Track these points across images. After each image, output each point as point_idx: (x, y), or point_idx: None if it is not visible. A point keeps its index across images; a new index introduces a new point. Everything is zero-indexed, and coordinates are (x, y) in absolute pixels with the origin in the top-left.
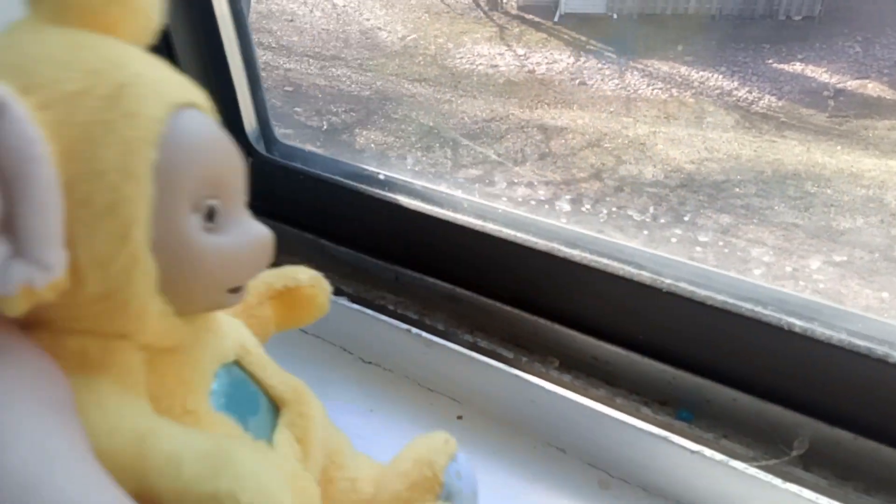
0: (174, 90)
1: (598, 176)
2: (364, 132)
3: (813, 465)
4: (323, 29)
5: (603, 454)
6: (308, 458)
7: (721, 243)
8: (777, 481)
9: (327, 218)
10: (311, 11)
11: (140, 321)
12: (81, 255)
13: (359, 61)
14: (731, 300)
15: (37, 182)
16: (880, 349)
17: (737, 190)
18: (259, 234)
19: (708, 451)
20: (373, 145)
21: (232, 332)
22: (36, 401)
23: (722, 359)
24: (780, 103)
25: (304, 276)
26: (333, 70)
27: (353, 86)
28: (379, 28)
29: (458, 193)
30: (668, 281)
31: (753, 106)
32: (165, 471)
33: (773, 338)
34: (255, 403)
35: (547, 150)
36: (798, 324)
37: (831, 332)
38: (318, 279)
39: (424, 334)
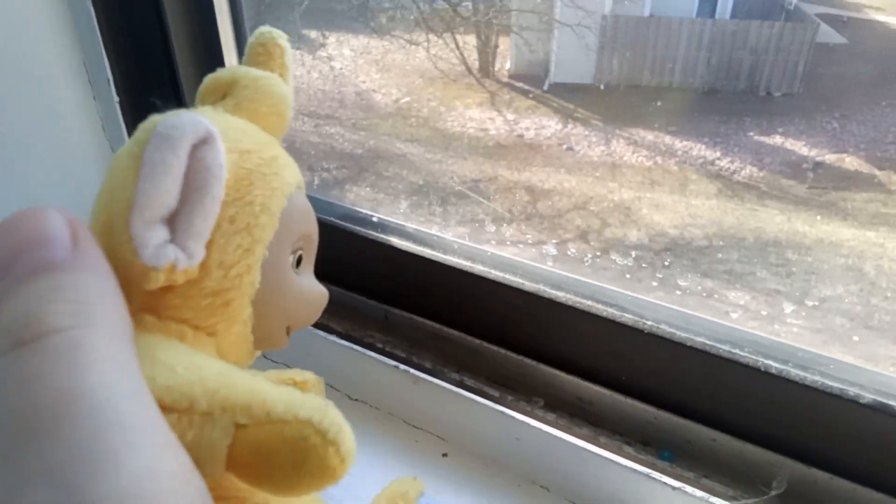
0: (296, 172)
1: (583, 237)
2: (355, 188)
3: None
4: (319, 89)
5: (586, 492)
6: None
7: (705, 306)
8: None
9: (321, 257)
10: (309, 73)
11: (231, 322)
12: (213, 256)
13: (353, 121)
14: (709, 342)
15: (210, 195)
16: (852, 390)
17: (719, 255)
18: (322, 290)
19: (689, 488)
20: (363, 201)
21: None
22: (121, 336)
23: (702, 399)
24: (761, 174)
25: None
26: (327, 128)
27: (346, 144)
28: (374, 90)
29: (449, 236)
30: (649, 323)
31: (735, 175)
32: (268, 400)
33: (750, 379)
34: None
35: (534, 210)
36: (774, 365)
37: (805, 374)
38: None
39: (412, 371)
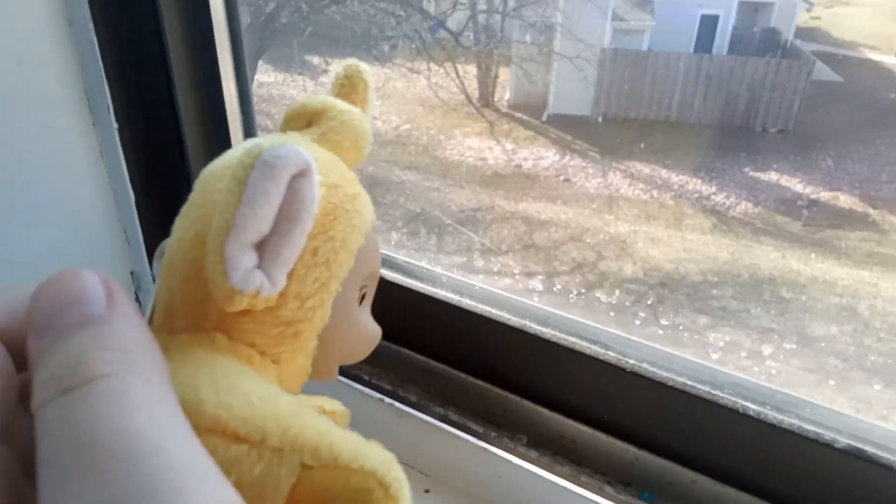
0: (372, 211)
1: (579, 269)
2: None
3: None
4: None
5: None
6: None
7: (698, 345)
8: None
9: None
10: None
11: (297, 352)
12: (292, 287)
13: None
14: (689, 382)
15: (301, 227)
16: (828, 434)
17: (714, 291)
18: (377, 329)
19: None
20: None
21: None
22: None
23: (682, 440)
24: (756, 209)
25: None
26: None
27: None
28: (374, 117)
29: (438, 269)
30: (631, 361)
31: (730, 211)
32: (335, 442)
33: (730, 420)
34: None
35: (530, 241)
36: (752, 407)
37: (782, 417)
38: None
39: (397, 405)
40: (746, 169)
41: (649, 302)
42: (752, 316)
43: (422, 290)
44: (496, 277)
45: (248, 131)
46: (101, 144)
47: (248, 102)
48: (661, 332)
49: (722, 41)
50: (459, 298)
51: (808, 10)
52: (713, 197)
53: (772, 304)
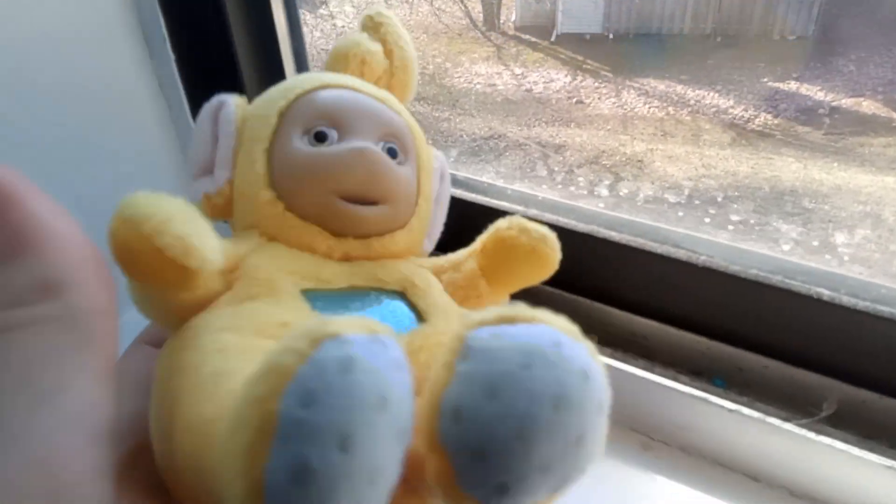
0: (334, 79)
1: (595, 193)
2: None
3: (841, 424)
4: (322, 49)
5: (644, 419)
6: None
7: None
8: (811, 434)
9: None
10: (311, 32)
11: (257, 210)
12: (235, 172)
13: None
14: (762, 273)
15: (224, 135)
16: None
17: (734, 206)
18: (353, 146)
19: (745, 410)
20: None
21: (403, 270)
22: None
23: (753, 329)
24: (776, 121)
25: (504, 223)
26: None
27: None
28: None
29: (500, 183)
30: (703, 257)
31: (749, 124)
32: None
33: (802, 307)
34: (385, 316)
35: (545, 167)
36: (826, 293)
37: (856, 300)
38: (514, 220)
39: None
40: (765, 79)
41: (669, 219)
42: (774, 229)
43: (487, 203)
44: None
45: (300, 62)
46: (161, 78)
47: (299, 31)
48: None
49: None
50: (525, 209)
51: None
52: (731, 110)
53: (794, 216)
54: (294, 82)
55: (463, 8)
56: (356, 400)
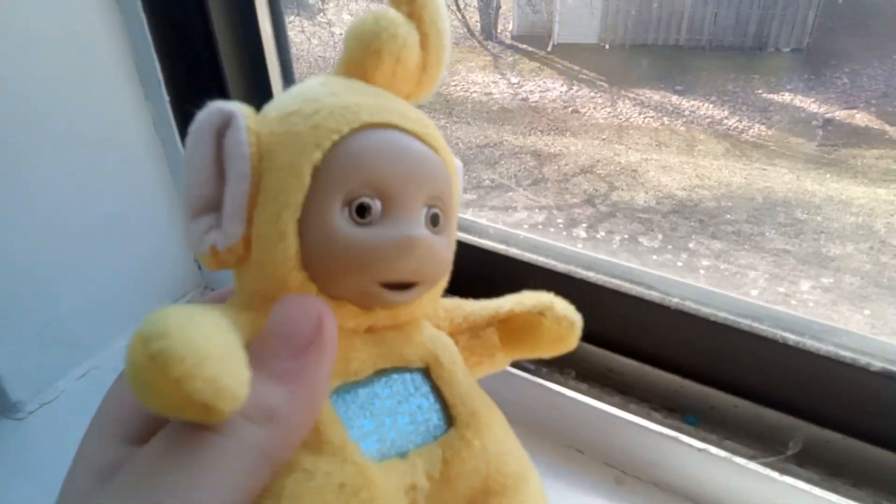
0: (373, 113)
1: (590, 201)
2: None
3: (806, 462)
4: (320, 56)
5: (617, 454)
6: (445, 482)
7: (712, 269)
8: (775, 474)
9: None
10: (309, 40)
11: (282, 289)
12: (253, 230)
13: None
14: (731, 316)
15: (234, 173)
16: (863, 359)
17: (728, 216)
18: (402, 232)
19: (713, 449)
20: None
21: (428, 342)
22: None
23: (724, 369)
24: (769, 132)
25: (530, 302)
26: None
27: None
28: None
29: (483, 221)
30: (675, 300)
31: (743, 135)
32: None
33: (769, 350)
34: (414, 414)
35: (540, 175)
36: (791, 337)
37: (820, 345)
38: (548, 307)
39: None
40: (759, 91)
41: (661, 229)
42: (767, 238)
43: (470, 242)
44: (509, 213)
45: (286, 72)
46: (155, 118)
47: (285, 41)
48: (672, 258)
49: None
50: (506, 248)
51: None
52: (725, 121)
53: (787, 227)
54: (323, 109)
55: (460, 17)
56: None
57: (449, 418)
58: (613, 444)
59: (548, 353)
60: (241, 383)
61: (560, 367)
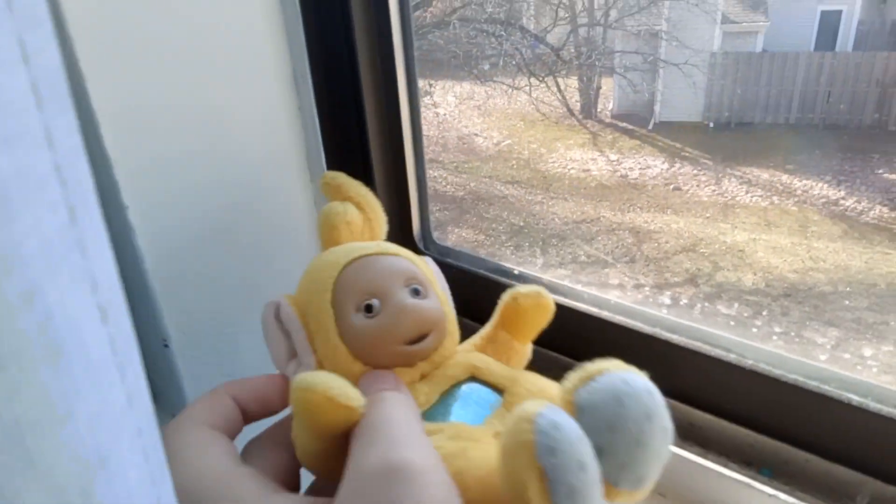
0: (353, 253)
1: (693, 281)
2: (457, 230)
3: None
4: (424, 135)
5: (696, 498)
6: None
7: (825, 357)
8: None
9: (471, 302)
10: None
11: (350, 378)
12: (317, 354)
13: (455, 164)
14: (801, 378)
15: (294, 329)
16: None
17: (846, 302)
18: (398, 309)
19: (782, 496)
20: (465, 242)
21: (464, 361)
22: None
23: (795, 426)
24: (892, 214)
25: (506, 298)
26: (430, 171)
27: (448, 186)
28: (476, 134)
29: (578, 287)
30: (750, 361)
31: (863, 216)
32: None
33: (836, 409)
34: (478, 401)
35: (638, 252)
36: (855, 398)
37: (881, 406)
38: (516, 292)
39: None
40: (880, 171)
41: (773, 313)
42: (892, 328)
43: (566, 304)
44: (604, 289)
45: (419, 170)
46: (308, 151)
47: (420, 144)
48: (785, 345)
49: (846, 37)
50: (598, 311)
51: None
52: (842, 202)
53: None
54: (328, 268)
55: (560, 98)
56: (574, 440)
57: (500, 391)
58: (693, 489)
59: (539, 320)
60: (357, 395)
61: None
